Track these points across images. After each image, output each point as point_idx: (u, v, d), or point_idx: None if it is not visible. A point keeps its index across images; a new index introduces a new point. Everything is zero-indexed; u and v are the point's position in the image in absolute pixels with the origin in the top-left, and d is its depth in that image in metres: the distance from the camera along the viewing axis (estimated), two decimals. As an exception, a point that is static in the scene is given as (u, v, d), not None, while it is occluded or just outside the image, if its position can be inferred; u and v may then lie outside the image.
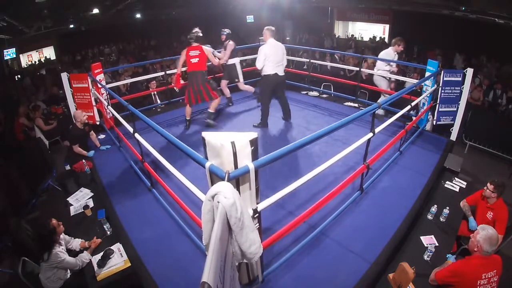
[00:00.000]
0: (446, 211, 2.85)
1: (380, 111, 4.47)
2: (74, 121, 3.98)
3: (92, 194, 3.38)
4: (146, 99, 5.82)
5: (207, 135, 1.65)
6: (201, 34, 4.36)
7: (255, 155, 1.63)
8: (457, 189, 3.35)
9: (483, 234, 2.04)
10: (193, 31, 4.37)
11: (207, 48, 4.37)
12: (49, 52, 12.39)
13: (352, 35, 13.97)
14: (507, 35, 8.25)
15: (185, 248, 2.53)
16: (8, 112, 6.42)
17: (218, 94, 4.61)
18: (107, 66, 8.83)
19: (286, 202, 2.86)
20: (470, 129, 5.54)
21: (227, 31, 5.21)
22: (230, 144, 1.50)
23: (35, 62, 12.00)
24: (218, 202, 1.27)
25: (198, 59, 4.32)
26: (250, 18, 14.04)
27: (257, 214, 1.80)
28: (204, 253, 2.23)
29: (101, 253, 2.54)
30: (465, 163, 3.84)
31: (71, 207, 3.19)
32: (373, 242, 2.53)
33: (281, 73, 4.38)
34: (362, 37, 13.73)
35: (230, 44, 5.11)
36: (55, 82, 7.76)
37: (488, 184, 2.87)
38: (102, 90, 4.52)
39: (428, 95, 4.11)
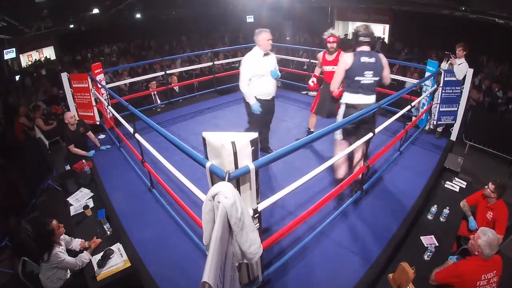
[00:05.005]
0: (446, 211, 2.86)
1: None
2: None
3: (92, 194, 3.38)
4: (146, 99, 5.82)
5: (207, 135, 1.65)
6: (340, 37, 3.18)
7: (255, 155, 1.63)
8: (457, 189, 3.35)
9: (484, 239, 2.03)
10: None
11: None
12: (49, 52, 12.36)
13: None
14: (507, 35, 8.24)
15: (185, 248, 2.54)
16: (8, 112, 6.42)
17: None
18: (107, 66, 8.84)
19: (286, 202, 2.86)
20: (470, 129, 5.54)
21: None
22: (230, 144, 1.50)
23: (35, 62, 11.98)
24: (219, 202, 1.26)
25: (332, 67, 3.50)
26: (250, 18, 14.03)
27: (257, 214, 1.80)
28: (204, 253, 2.23)
29: (101, 253, 2.54)
30: (465, 163, 3.84)
31: (71, 207, 3.19)
32: (373, 242, 2.53)
33: None
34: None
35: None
36: (55, 82, 7.75)
37: (490, 184, 2.87)
38: (102, 90, 4.52)
39: (428, 95, 4.12)
